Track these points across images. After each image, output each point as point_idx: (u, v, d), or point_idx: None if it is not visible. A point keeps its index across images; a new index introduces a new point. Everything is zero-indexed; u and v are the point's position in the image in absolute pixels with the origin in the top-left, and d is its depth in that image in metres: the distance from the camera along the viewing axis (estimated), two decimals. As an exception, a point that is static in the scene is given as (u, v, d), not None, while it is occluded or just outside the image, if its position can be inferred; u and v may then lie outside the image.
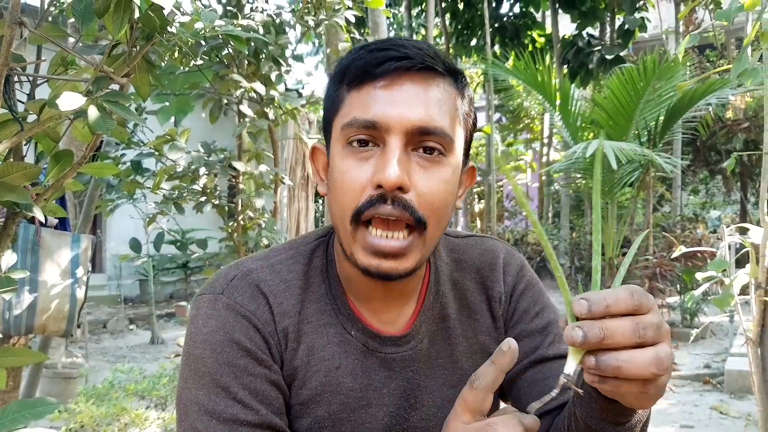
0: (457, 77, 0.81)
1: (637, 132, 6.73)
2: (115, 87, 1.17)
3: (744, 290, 2.11)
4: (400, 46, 0.76)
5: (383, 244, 0.74)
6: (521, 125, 13.17)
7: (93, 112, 1.01)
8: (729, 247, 2.20)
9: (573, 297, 0.54)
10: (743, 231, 2.15)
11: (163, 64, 2.37)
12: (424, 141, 0.75)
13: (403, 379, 0.84)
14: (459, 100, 0.80)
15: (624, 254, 7.43)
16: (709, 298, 5.87)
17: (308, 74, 20.75)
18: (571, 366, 0.55)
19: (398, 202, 0.73)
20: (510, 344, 0.64)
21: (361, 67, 0.76)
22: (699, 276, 2.16)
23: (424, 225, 0.75)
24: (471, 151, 0.87)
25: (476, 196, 14.63)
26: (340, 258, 0.85)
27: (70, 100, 0.98)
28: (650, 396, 0.57)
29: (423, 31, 12.25)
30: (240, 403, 0.75)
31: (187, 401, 0.76)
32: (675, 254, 2.57)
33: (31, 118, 1.16)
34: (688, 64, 7.20)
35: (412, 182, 0.74)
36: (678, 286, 6.78)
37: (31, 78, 1.29)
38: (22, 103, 1.19)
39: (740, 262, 2.30)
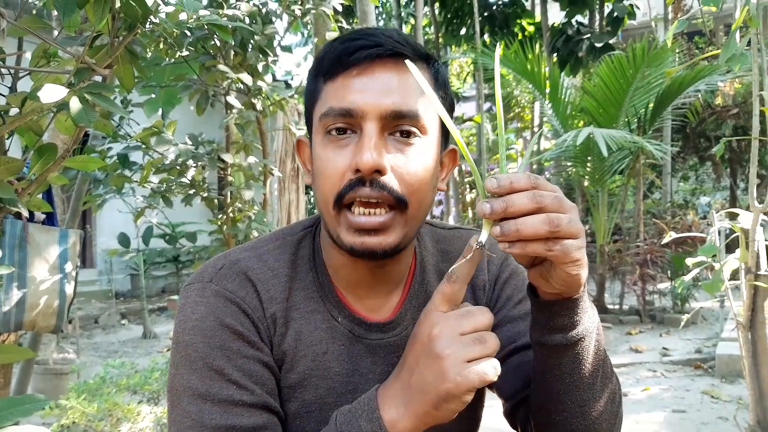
0: (429, 62, 0.84)
1: (627, 119, 6.74)
2: (98, 79, 1.15)
3: (734, 275, 2.13)
4: (370, 35, 0.79)
5: (364, 221, 0.77)
6: (511, 114, 13.17)
7: (75, 104, 0.99)
8: (719, 232, 2.22)
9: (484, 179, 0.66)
10: (733, 216, 2.16)
11: (147, 55, 2.35)
12: (399, 125, 0.78)
13: (389, 365, 0.85)
14: (433, 84, 0.82)
15: (615, 241, 7.46)
16: (699, 283, 5.91)
17: (297, 65, 20.68)
18: (483, 235, 0.66)
19: (376, 184, 0.76)
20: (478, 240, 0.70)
21: (335, 59, 0.79)
22: (689, 261, 2.17)
23: (405, 204, 0.78)
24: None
25: (468, 186, 14.65)
26: (326, 246, 0.87)
27: (51, 92, 0.97)
28: (566, 266, 0.66)
29: (412, 21, 12.19)
30: (234, 384, 0.76)
31: (180, 387, 0.77)
32: (665, 240, 2.58)
33: (14, 111, 1.14)
34: (676, 50, 7.22)
35: (390, 165, 0.77)
36: (669, 272, 6.82)
37: (12, 71, 1.27)
38: (3, 96, 1.17)
39: (730, 248, 2.31)
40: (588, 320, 0.75)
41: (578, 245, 0.65)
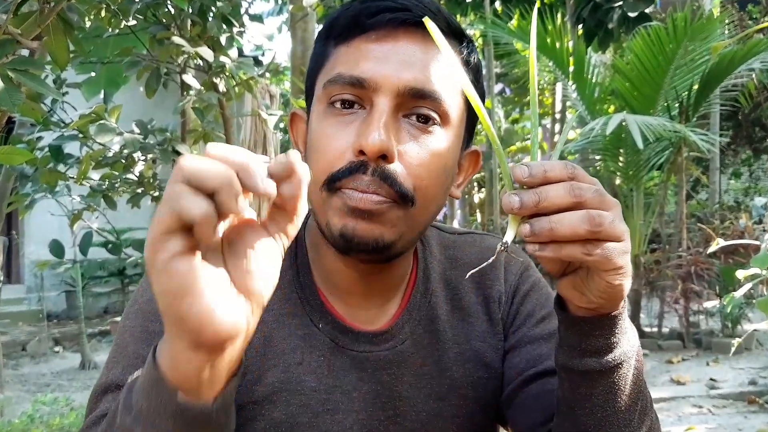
0: (461, 40, 0.85)
1: (666, 104, 6.79)
2: (25, 53, 1.15)
3: (794, 291, 2.14)
4: None
5: (359, 198, 0.77)
6: (528, 97, 13.25)
7: (-5, 84, 0.99)
8: (776, 239, 2.23)
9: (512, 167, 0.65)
10: (792, 220, 2.17)
11: (86, 25, 2.34)
12: (417, 106, 0.79)
13: (377, 382, 0.87)
14: (463, 68, 0.84)
15: (653, 251, 7.50)
16: (753, 301, 5.94)
17: (269, 38, 20.73)
18: (509, 235, 0.64)
19: (379, 173, 0.76)
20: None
21: (352, 19, 0.81)
22: (740, 274, 2.19)
23: (411, 201, 0.78)
24: None
25: (476, 185, 14.68)
26: (315, 246, 0.89)
27: (-34, 69, 0.97)
28: (606, 274, 0.65)
29: (408, -16, 12.22)
30: None
31: (103, 385, 0.80)
32: (712, 249, 2.60)
33: None
34: (726, 21, 7.27)
35: (399, 152, 0.77)
36: (717, 287, 6.85)
37: None
38: None
39: (789, 258, 2.32)
40: (627, 342, 0.74)
41: (622, 249, 0.65)
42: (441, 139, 0.80)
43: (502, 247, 0.65)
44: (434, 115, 0.80)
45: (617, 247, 0.64)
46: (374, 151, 0.75)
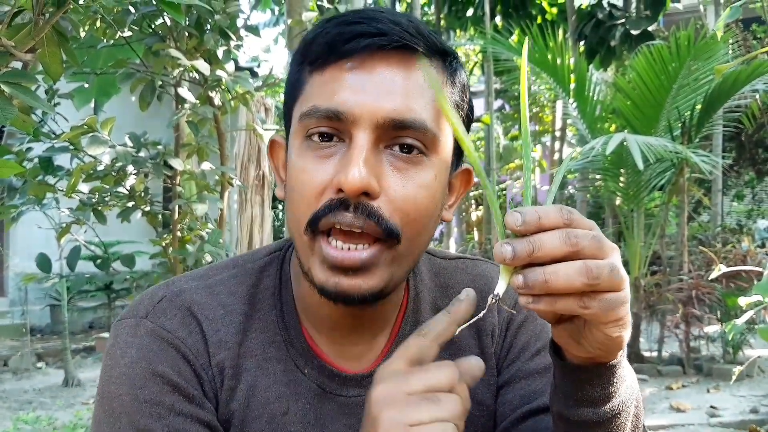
0: (446, 58, 0.82)
1: (668, 124, 6.81)
2: (18, 65, 1.16)
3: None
4: (372, 20, 0.77)
5: (341, 256, 0.75)
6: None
7: (-12, 97, 1.00)
8: (779, 265, 2.24)
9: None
10: (796, 246, 2.18)
11: (81, 35, 2.35)
12: (399, 137, 0.76)
13: None
14: (448, 87, 0.81)
15: (653, 273, 7.50)
16: (755, 327, 5.94)
17: (266, 50, 20.82)
18: (501, 286, 0.63)
19: (363, 209, 0.74)
20: (468, 293, 0.69)
21: (326, 45, 0.77)
22: (742, 301, 2.19)
23: (396, 238, 0.76)
24: None
25: (473, 202, 14.68)
26: (298, 277, 0.86)
27: (-42, 81, 0.97)
28: (604, 327, 0.63)
29: (408, -2, 12.30)
30: None
31: None
32: (714, 274, 2.60)
33: None
34: (730, 41, 7.31)
35: (382, 186, 0.75)
36: (719, 312, 6.84)
37: None
38: None
39: (793, 284, 2.32)
40: (626, 391, 0.73)
41: (621, 300, 0.63)
42: (427, 169, 0.78)
43: (494, 300, 0.64)
44: (418, 144, 0.77)
45: (616, 298, 0.62)
46: (354, 189, 0.72)
